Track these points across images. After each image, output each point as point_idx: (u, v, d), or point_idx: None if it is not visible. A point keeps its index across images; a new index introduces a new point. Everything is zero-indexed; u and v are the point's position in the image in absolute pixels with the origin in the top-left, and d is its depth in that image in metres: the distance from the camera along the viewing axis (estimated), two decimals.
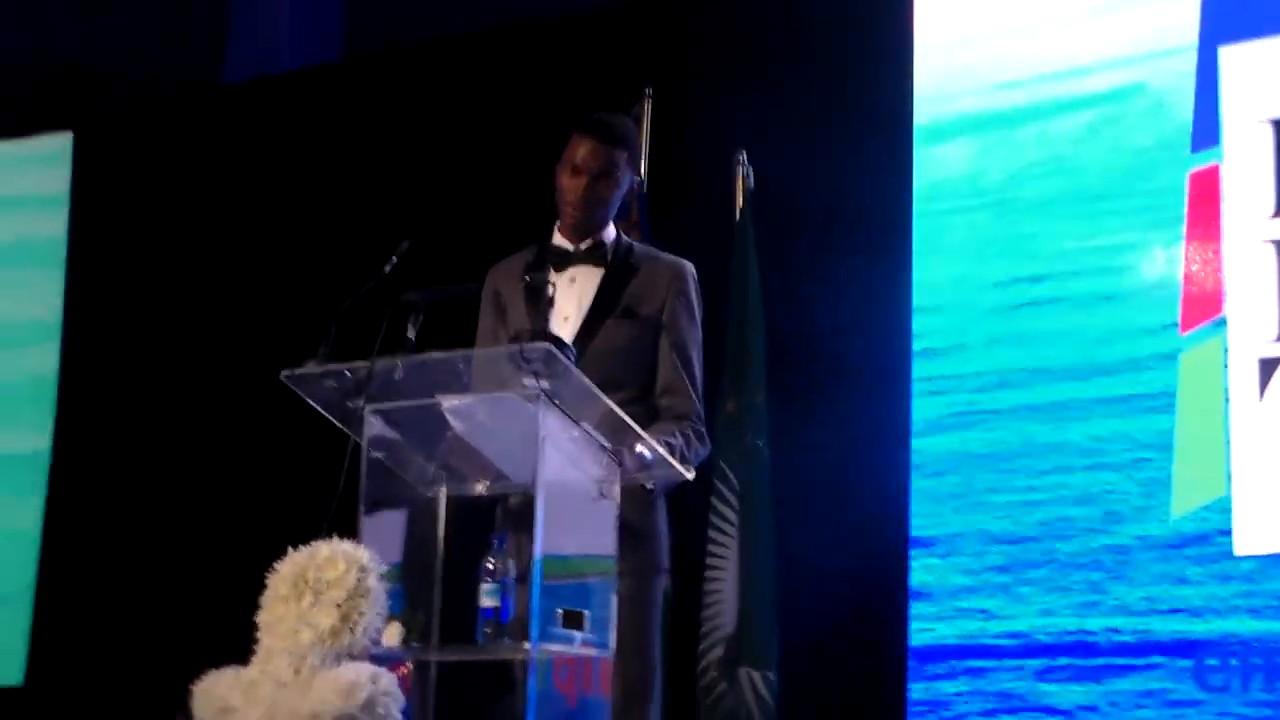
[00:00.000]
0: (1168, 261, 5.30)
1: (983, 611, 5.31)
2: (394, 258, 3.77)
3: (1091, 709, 5.08)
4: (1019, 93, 5.66)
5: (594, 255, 3.95)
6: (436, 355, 3.52)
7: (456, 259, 4.37)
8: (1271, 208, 5.18)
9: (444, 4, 7.20)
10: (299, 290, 6.69)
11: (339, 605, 3.25)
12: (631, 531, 3.66)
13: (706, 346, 4.04)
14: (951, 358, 5.55)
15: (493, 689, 3.59)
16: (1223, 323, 5.16)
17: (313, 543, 3.36)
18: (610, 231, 4.00)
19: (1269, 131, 5.22)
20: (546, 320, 3.81)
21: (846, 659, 5.47)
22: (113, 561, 7.12)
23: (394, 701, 3.20)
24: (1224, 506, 5.04)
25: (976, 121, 5.71)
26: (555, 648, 3.42)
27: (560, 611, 3.42)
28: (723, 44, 6.29)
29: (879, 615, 5.46)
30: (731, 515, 5.30)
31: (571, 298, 3.92)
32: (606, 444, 3.58)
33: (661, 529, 3.87)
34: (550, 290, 3.85)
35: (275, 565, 3.35)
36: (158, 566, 6.97)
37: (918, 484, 5.48)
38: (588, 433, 3.55)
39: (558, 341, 3.49)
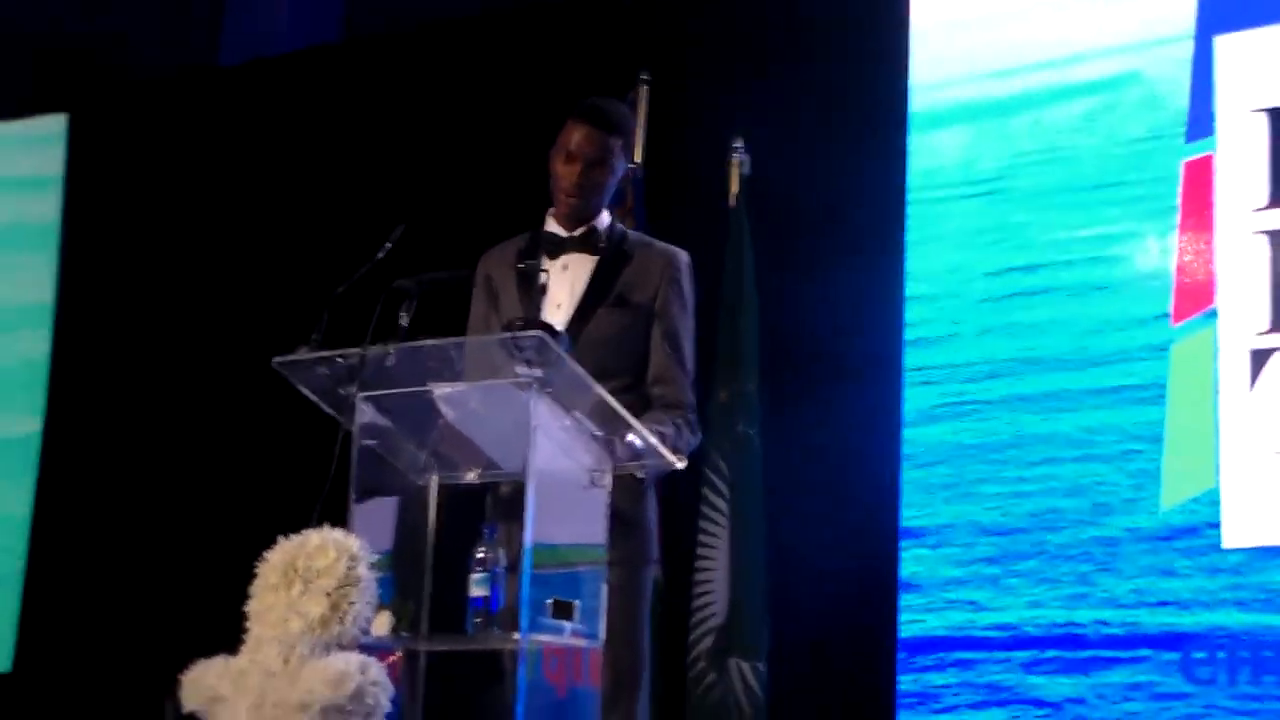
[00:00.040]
0: (1161, 252, 5.29)
1: (972, 603, 5.31)
2: (388, 244, 3.76)
3: (1079, 701, 5.09)
4: (1013, 81, 5.66)
5: (587, 242, 3.94)
6: (429, 342, 3.52)
7: (450, 245, 4.36)
8: (1265, 199, 5.18)
9: None
10: (292, 276, 6.68)
11: (329, 594, 3.24)
12: (622, 521, 3.65)
13: (699, 335, 4.03)
14: (943, 347, 5.55)
15: (482, 679, 3.59)
16: (1214, 314, 5.16)
17: (303, 531, 3.36)
18: (604, 218, 3.99)
19: (1263, 121, 5.22)
20: (539, 308, 3.81)
21: (836, 650, 5.48)
22: (103, 547, 7.11)
23: (383, 691, 3.20)
24: (1213, 499, 5.05)
25: (970, 110, 5.70)
26: (545, 638, 3.41)
27: (550, 601, 3.41)
28: (719, 31, 6.28)
29: (869, 606, 5.46)
30: (722, 505, 5.31)
31: (564, 285, 3.91)
32: (598, 433, 3.57)
33: (651, 518, 3.86)
34: (544, 277, 3.84)
35: (265, 553, 3.35)
36: (148, 553, 6.97)
37: (908, 474, 5.48)
38: (579, 421, 3.54)
39: (550, 329, 3.49)
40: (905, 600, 5.41)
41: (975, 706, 5.22)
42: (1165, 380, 5.19)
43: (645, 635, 3.78)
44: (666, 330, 3.91)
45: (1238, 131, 5.24)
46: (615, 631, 3.58)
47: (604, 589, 3.55)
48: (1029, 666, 5.19)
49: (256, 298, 6.94)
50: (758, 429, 5.35)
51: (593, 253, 3.93)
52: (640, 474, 3.72)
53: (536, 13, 6.74)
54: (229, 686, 3.21)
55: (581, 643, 3.49)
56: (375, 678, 3.18)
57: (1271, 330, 5.08)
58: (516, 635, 3.36)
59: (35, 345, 7.51)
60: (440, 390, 3.54)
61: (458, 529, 3.63)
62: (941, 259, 5.62)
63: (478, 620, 3.42)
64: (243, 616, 3.32)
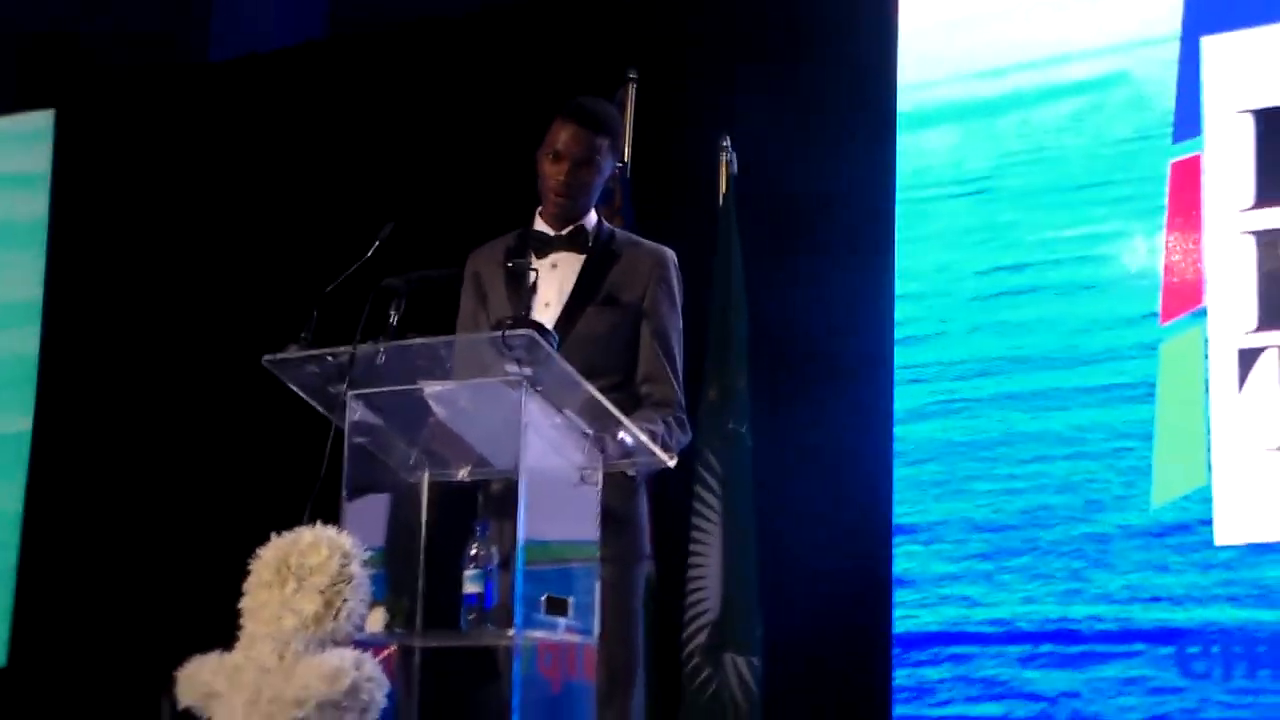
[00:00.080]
0: (1149, 251, 5.31)
1: (965, 599, 5.33)
2: (377, 241, 3.76)
3: (1074, 695, 5.11)
4: (1001, 81, 5.67)
5: (575, 241, 3.94)
6: (419, 340, 3.52)
7: (439, 243, 4.37)
8: (1252, 199, 5.20)
9: None
10: (281, 273, 6.67)
11: (322, 591, 3.24)
12: (614, 518, 3.66)
13: (688, 333, 4.03)
14: (933, 345, 5.57)
15: (477, 675, 3.60)
16: (1203, 313, 5.18)
17: (296, 528, 3.36)
18: (592, 217, 3.99)
19: (1250, 122, 5.24)
20: (528, 306, 3.82)
21: (831, 645, 5.48)
22: (95, 544, 7.10)
23: (378, 687, 3.20)
24: (1204, 496, 5.07)
25: (958, 110, 5.72)
26: (539, 634, 3.42)
27: (544, 598, 3.42)
28: (707, 30, 6.29)
29: (863, 602, 5.47)
30: (714, 502, 5.31)
31: (553, 284, 3.91)
32: (588, 430, 3.57)
33: (643, 516, 3.86)
34: (532, 276, 3.85)
35: (258, 551, 3.35)
36: (141, 550, 6.96)
37: (900, 471, 5.50)
38: (570, 419, 3.54)
39: (540, 328, 3.49)
40: (899, 596, 5.42)
41: (971, 701, 5.24)
42: (1155, 379, 5.21)
43: (639, 631, 3.79)
44: (655, 329, 3.91)
45: (1225, 132, 5.26)
46: (609, 628, 3.58)
47: (597, 585, 3.55)
48: (1024, 661, 5.20)
49: (246, 295, 6.93)
50: (748, 426, 5.36)
51: (581, 251, 3.94)
52: (631, 472, 3.73)
53: (524, 10, 6.74)
54: (224, 682, 3.21)
55: (576, 638, 3.50)
56: (370, 673, 3.18)
57: (1260, 329, 5.10)
58: (511, 631, 3.36)
59: (24, 342, 7.50)
60: (431, 388, 3.54)
61: (450, 526, 3.64)
62: (931, 258, 5.63)
63: (472, 617, 3.43)
64: (237, 613, 3.32)
